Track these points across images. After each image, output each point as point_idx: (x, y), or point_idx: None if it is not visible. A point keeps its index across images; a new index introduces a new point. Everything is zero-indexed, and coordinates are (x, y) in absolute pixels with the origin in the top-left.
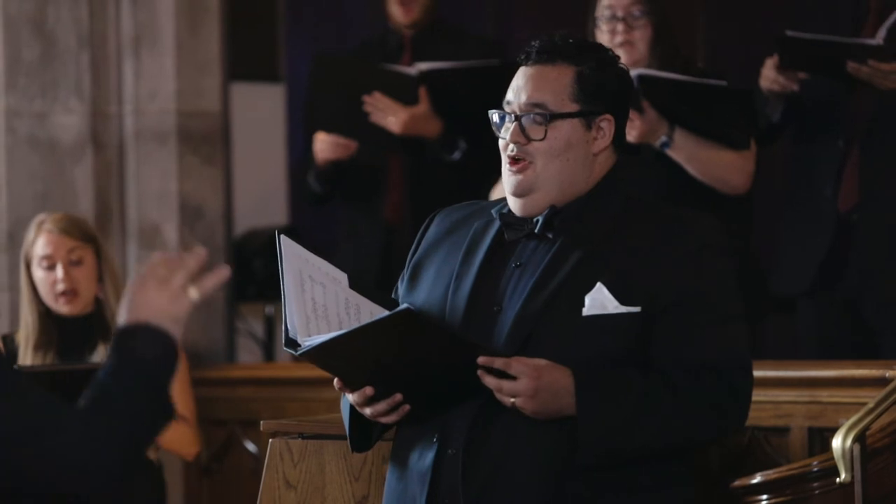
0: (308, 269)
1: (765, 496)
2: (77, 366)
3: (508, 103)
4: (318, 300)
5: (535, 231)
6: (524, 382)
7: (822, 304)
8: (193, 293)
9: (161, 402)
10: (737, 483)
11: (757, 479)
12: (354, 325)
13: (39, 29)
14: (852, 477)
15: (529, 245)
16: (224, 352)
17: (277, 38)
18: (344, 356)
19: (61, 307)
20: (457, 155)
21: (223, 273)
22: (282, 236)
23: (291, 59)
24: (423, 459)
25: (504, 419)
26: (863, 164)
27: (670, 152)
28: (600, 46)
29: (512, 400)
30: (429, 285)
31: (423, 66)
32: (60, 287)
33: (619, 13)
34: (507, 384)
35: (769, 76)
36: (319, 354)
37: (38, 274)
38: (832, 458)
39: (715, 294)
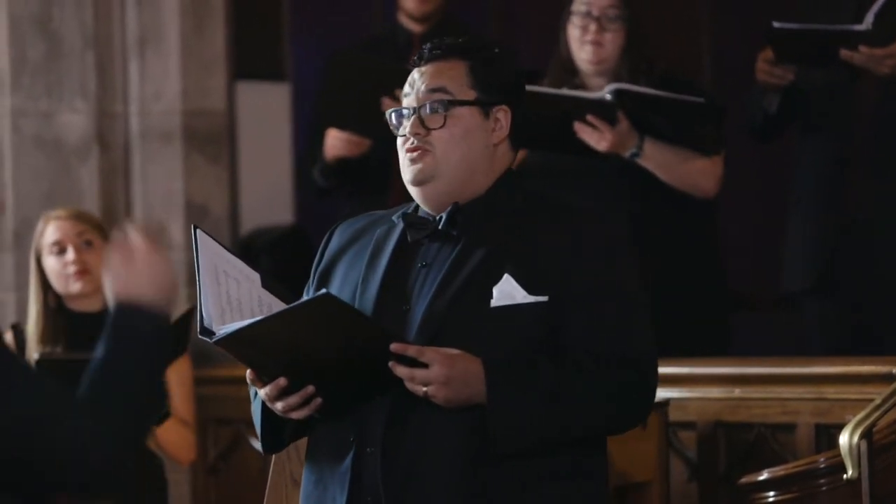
0: (223, 264)
1: (772, 493)
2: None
3: (406, 96)
4: (232, 294)
5: (440, 228)
6: (436, 370)
7: (827, 301)
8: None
9: (157, 385)
10: (744, 480)
11: (764, 476)
12: None
13: (44, 29)
14: (859, 473)
15: (434, 245)
16: None
17: (283, 36)
18: (259, 345)
19: (73, 286)
20: None
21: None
22: (197, 231)
23: (297, 57)
24: (341, 461)
25: (419, 414)
26: (867, 161)
27: (641, 161)
28: (491, 43)
29: (424, 388)
30: (335, 292)
31: None
32: (71, 268)
33: (595, 12)
34: (419, 372)
35: (764, 68)
36: (235, 342)
37: (50, 262)
38: (839, 455)
39: (622, 285)
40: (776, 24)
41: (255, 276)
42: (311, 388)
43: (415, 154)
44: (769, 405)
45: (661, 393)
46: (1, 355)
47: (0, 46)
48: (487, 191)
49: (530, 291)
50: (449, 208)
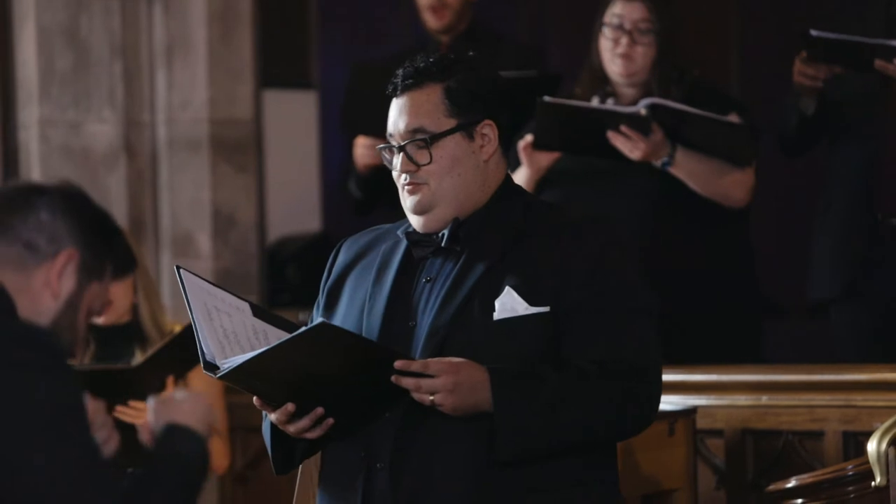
0: (211, 300)
1: (800, 500)
2: (112, 366)
3: (391, 136)
4: (226, 327)
5: (442, 245)
6: (443, 379)
7: (858, 308)
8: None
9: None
10: (772, 487)
11: (792, 484)
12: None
13: (73, 39)
14: (888, 481)
15: (437, 260)
16: None
17: (309, 44)
18: (263, 375)
19: (95, 318)
20: None
21: None
22: (181, 270)
23: (324, 65)
24: (352, 477)
25: (426, 429)
26: None
27: (672, 170)
28: (463, 58)
29: (431, 398)
30: (343, 309)
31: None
32: None
33: (627, 25)
34: (425, 381)
35: (800, 69)
36: (239, 375)
37: None
38: (867, 462)
39: (622, 292)
40: (814, 33)
41: (245, 306)
42: (320, 410)
43: (411, 187)
44: (797, 412)
45: (689, 400)
46: (73, 419)
47: (28, 57)
48: (486, 204)
49: (532, 302)
50: (450, 225)
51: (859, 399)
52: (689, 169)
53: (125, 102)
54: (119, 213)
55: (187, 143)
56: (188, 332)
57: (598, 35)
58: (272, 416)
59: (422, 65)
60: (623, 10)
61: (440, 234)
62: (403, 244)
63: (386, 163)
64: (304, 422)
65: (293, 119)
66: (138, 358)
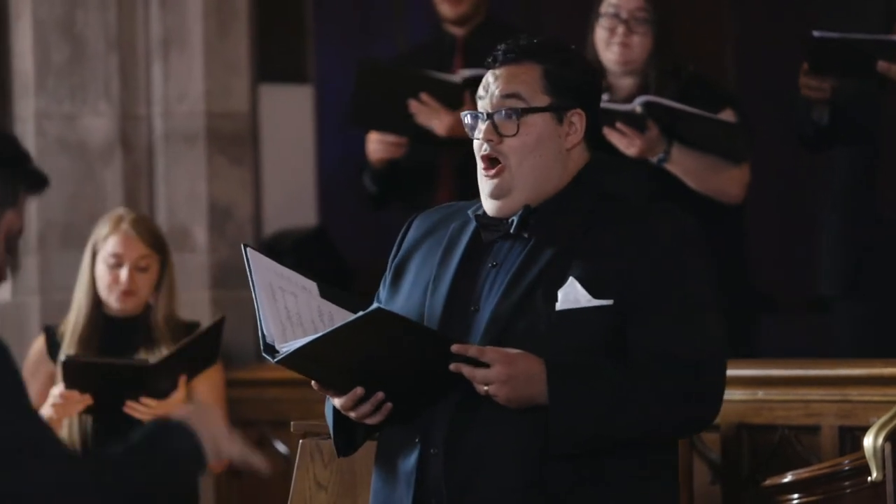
0: (277, 280)
1: (796, 495)
2: (129, 361)
3: (480, 98)
4: (290, 308)
5: (511, 231)
6: (497, 369)
7: (860, 305)
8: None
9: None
10: (768, 482)
11: (788, 479)
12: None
13: (68, 32)
14: (884, 476)
15: (505, 245)
16: (254, 352)
17: (306, 38)
18: (321, 359)
19: (115, 302)
20: None
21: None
22: (248, 249)
23: (320, 59)
24: (407, 461)
25: (482, 415)
26: None
27: (668, 166)
28: (565, 45)
29: (485, 388)
30: (408, 288)
31: (467, 73)
32: (123, 287)
33: (623, 14)
34: (480, 372)
35: (806, 83)
36: (297, 359)
37: (101, 268)
38: (863, 457)
39: (688, 287)
40: (816, 34)
41: (312, 286)
42: (380, 395)
43: (492, 171)
44: (792, 407)
45: None
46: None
47: (24, 49)
48: (561, 192)
49: (595, 294)
50: (521, 211)
51: (855, 394)
52: (684, 166)
53: (121, 95)
54: (115, 206)
55: (183, 136)
56: (207, 334)
57: (595, 26)
58: (336, 401)
59: (524, 43)
60: (619, 0)
61: (510, 220)
62: (472, 225)
63: (468, 130)
64: (365, 406)
65: (289, 113)
66: (141, 353)
